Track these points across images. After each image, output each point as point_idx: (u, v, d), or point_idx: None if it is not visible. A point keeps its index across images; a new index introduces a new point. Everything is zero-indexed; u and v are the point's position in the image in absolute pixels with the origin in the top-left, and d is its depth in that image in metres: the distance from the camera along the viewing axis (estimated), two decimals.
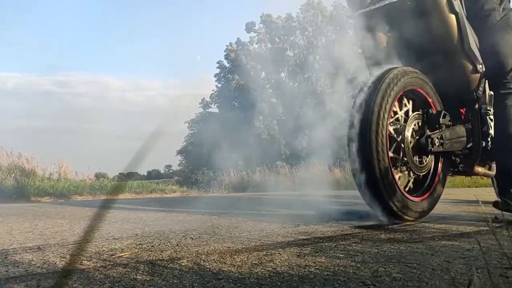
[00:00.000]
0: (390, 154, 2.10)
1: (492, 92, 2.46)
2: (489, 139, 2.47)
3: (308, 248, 1.49)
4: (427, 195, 2.29)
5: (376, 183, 2.01)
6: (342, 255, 1.35)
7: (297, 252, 1.42)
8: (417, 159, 2.24)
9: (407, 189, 2.23)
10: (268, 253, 1.40)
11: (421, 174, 2.29)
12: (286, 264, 1.24)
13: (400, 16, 2.31)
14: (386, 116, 2.04)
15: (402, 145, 2.17)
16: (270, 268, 1.18)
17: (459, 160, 2.48)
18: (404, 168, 2.21)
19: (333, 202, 3.88)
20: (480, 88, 2.42)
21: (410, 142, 2.20)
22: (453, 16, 2.22)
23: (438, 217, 2.36)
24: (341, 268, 1.17)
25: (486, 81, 2.45)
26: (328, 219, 2.36)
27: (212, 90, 19.65)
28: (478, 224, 2.08)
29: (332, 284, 1.01)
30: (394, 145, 2.17)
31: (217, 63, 19.65)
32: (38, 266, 1.25)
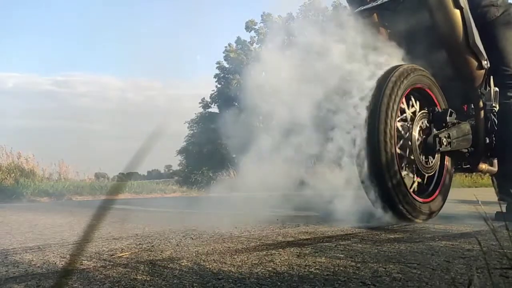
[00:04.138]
0: (398, 155, 2.08)
1: (497, 89, 2.43)
2: (493, 136, 2.46)
3: (308, 248, 1.49)
4: (434, 195, 2.27)
5: (384, 185, 2.00)
6: (342, 255, 1.35)
7: (297, 252, 1.42)
8: (424, 159, 2.22)
9: (414, 190, 2.22)
10: (268, 253, 1.40)
11: (429, 174, 2.28)
12: (286, 264, 1.24)
13: (404, 12, 2.29)
14: (393, 115, 2.02)
15: (410, 145, 2.15)
16: (270, 268, 1.18)
17: (463, 157, 2.46)
18: (412, 168, 2.20)
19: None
20: (485, 85, 2.40)
21: (418, 141, 2.18)
22: (457, 11, 2.18)
23: (438, 217, 2.36)
24: (341, 268, 1.17)
25: (491, 77, 2.42)
26: (328, 219, 2.35)
27: (212, 90, 19.62)
28: (478, 224, 2.07)
29: (332, 284, 1.01)
30: (401, 144, 2.15)
31: (217, 63, 19.60)
32: (38, 266, 1.25)
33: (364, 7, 2.35)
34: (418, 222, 2.14)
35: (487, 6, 2.39)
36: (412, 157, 2.16)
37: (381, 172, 1.98)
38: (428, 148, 2.19)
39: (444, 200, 2.34)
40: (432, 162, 2.26)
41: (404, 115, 2.19)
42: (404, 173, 2.12)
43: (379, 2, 2.29)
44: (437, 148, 2.16)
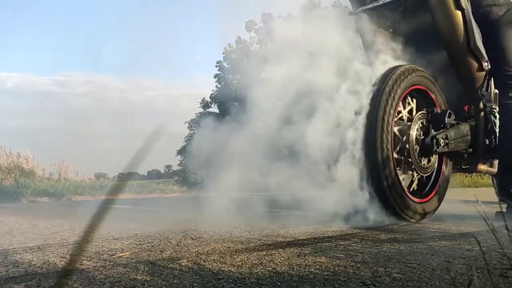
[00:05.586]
0: (395, 155, 2.08)
1: (497, 90, 2.43)
2: (493, 137, 2.46)
3: (308, 248, 1.49)
4: (430, 196, 2.27)
5: (381, 185, 2.00)
6: (342, 255, 1.35)
7: (297, 252, 1.42)
8: (421, 159, 2.22)
9: (410, 190, 2.22)
10: (268, 253, 1.40)
11: (426, 175, 2.28)
12: (286, 264, 1.24)
13: (405, 12, 2.29)
14: (392, 113, 2.02)
15: (407, 146, 2.15)
16: (270, 268, 1.18)
17: (462, 158, 2.46)
18: (409, 169, 2.20)
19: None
20: (485, 86, 2.40)
21: (415, 142, 2.18)
22: (459, 13, 2.18)
23: (438, 217, 2.36)
24: (341, 268, 1.17)
25: (492, 78, 2.42)
26: (328, 219, 2.35)
27: (212, 90, 19.60)
28: (478, 224, 2.07)
29: (332, 284, 1.01)
30: (399, 145, 2.15)
31: (217, 63, 19.57)
32: (38, 266, 1.25)
33: (365, 7, 2.34)
34: (413, 222, 2.14)
35: (489, 5, 2.38)
36: (409, 157, 2.16)
37: (376, 171, 1.99)
38: (425, 149, 2.19)
39: (440, 201, 2.34)
40: (429, 162, 2.26)
41: (403, 115, 2.19)
42: (400, 172, 2.13)
43: (380, 3, 2.29)
44: (435, 149, 2.16)
